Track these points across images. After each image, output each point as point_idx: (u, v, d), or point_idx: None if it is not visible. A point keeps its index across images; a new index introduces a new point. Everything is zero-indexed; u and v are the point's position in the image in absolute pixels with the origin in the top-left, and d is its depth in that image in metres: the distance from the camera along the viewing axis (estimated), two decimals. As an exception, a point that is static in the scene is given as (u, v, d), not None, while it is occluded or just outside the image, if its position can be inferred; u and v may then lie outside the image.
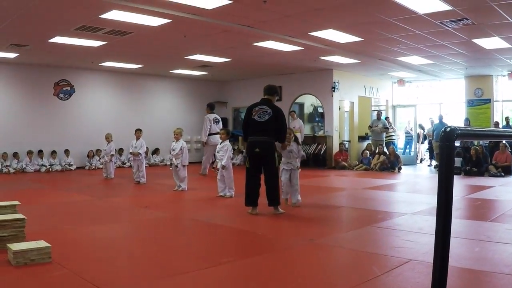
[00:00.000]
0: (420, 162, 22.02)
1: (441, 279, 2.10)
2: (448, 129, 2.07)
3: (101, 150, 17.70)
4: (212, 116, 15.55)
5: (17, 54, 15.13)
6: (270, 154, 8.31)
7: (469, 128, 2.31)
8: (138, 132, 13.70)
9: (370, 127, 19.98)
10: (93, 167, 18.40)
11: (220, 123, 15.70)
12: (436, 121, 18.95)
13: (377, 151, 18.53)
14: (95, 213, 8.76)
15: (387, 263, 5.10)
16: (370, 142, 19.63)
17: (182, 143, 11.70)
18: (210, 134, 15.18)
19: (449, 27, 11.41)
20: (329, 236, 6.65)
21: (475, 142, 16.97)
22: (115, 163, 16.01)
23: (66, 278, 4.56)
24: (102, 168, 15.93)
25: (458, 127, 2.10)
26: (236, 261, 5.28)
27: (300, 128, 17.75)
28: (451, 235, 6.11)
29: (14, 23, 11.10)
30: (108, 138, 14.87)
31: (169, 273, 4.77)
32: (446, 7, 9.80)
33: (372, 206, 9.47)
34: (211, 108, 15.88)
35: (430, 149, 20.50)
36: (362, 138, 20.96)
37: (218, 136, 14.57)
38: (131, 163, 14.61)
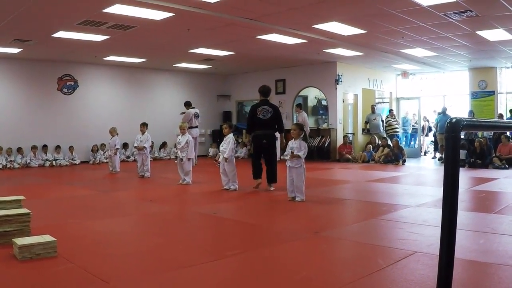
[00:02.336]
0: (424, 154, 22.02)
1: (447, 271, 2.10)
2: (454, 120, 2.07)
3: (105, 145, 17.78)
4: (193, 111, 16.79)
5: (20, 50, 15.14)
6: (273, 143, 10.68)
7: (475, 119, 2.29)
8: (143, 126, 13.71)
9: (366, 122, 20.12)
10: (98, 161, 18.43)
11: (199, 118, 17.13)
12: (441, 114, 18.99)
13: (380, 143, 18.55)
14: (100, 207, 8.79)
15: (392, 255, 5.10)
16: (373, 136, 19.60)
17: (188, 136, 11.77)
18: (190, 127, 15.79)
19: (453, 19, 11.38)
20: (334, 229, 6.66)
21: (479, 134, 16.97)
22: (119, 157, 16.04)
23: (72, 272, 4.58)
24: (107, 162, 16.00)
25: (463, 118, 2.09)
26: (241, 253, 5.29)
27: (304, 121, 17.76)
28: (456, 227, 6.09)
29: (17, 18, 11.10)
30: (112, 132, 14.89)
31: (174, 267, 4.78)
32: (450, -2, 9.79)
33: (377, 198, 9.48)
34: (189, 104, 17.18)
35: (435, 142, 20.49)
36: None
37: (197, 129, 16.65)
38: (136, 157, 14.64)
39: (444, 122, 3.17)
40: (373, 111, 20.06)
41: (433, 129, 21.09)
